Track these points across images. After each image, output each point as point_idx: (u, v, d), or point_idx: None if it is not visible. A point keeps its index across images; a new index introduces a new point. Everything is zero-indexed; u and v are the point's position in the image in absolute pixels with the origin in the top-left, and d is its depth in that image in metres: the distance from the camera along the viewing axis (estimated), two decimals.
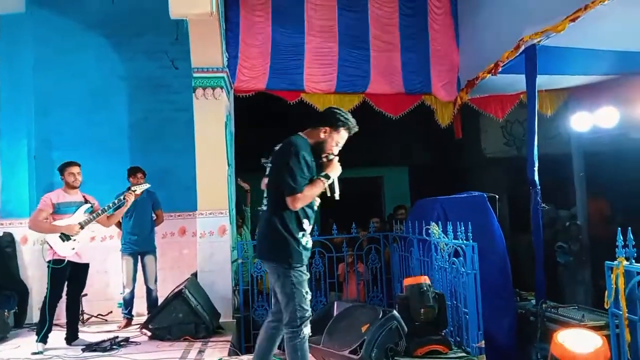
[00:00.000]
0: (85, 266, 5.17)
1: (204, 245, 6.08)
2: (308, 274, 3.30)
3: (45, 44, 6.84)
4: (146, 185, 5.49)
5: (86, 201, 5.15)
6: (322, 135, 3.32)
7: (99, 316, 6.36)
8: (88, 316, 6.26)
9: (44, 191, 5.75)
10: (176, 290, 5.45)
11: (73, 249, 4.95)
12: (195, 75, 6.19)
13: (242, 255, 6.27)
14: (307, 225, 3.27)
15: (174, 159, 6.78)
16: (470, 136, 9.01)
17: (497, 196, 5.61)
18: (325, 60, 7.19)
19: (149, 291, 6.05)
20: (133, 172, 6.01)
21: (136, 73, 6.92)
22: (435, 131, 7.99)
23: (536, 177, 5.34)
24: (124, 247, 6.05)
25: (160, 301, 5.84)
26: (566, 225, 7.64)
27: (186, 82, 6.38)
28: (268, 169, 3.37)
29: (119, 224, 6.03)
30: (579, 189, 8.08)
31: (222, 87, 6.24)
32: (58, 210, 4.97)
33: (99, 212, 5.08)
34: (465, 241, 4.42)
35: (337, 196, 3.35)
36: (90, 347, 4.89)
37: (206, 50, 6.09)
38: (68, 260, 4.92)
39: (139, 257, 6.07)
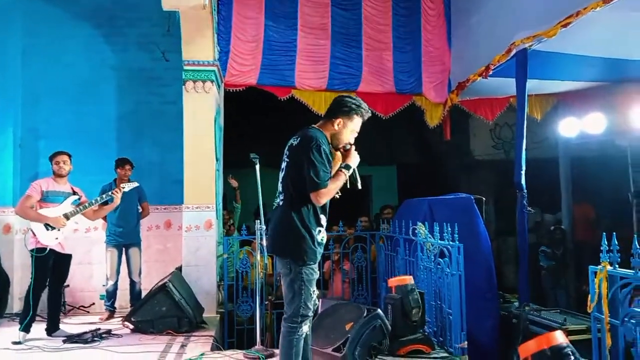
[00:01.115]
0: (68, 257, 5.14)
1: (190, 240, 6.05)
2: (318, 272, 3.26)
3: (35, 32, 6.76)
4: (135, 184, 5.47)
5: (74, 192, 5.13)
6: (336, 127, 3.26)
7: (81, 308, 6.32)
8: (70, 307, 6.21)
9: (29, 180, 5.69)
10: (160, 283, 5.42)
11: (56, 238, 4.92)
12: (185, 68, 6.15)
13: (228, 250, 6.25)
14: (324, 220, 3.26)
15: (162, 151, 6.74)
16: (459, 138, 9.06)
17: (484, 198, 5.65)
18: (317, 57, 7.17)
19: (132, 284, 6.01)
20: (121, 163, 5.97)
21: (126, 64, 6.86)
22: (424, 132, 8.03)
23: (523, 181, 5.38)
24: (109, 238, 6.00)
25: (143, 294, 5.81)
26: (550, 229, 7.71)
27: (177, 74, 6.34)
28: (284, 164, 3.28)
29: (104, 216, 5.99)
30: (564, 194, 8.16)
31: (212, 81, 6.21)
32: (46, 198, 4.95)
33: (86, 204, 5.05)
34: (451, 242, 4.44)
35: (359, 185, 3.30)
36: (71, 339, 4.86)
37: (198, 43, 6.08)
38: (51, 250, 4.88)
39: (124, 249, 6.03)
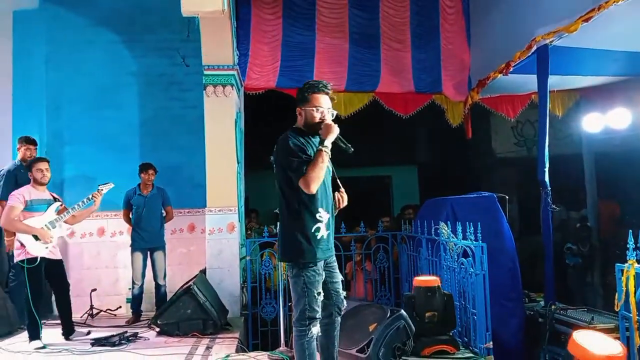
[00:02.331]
0: (59, 262, 5.11)
1: (213, 242, 6.11)
2: (323, 273, 3.20)
3: (58, 40, 6.91)
4: (110, 185, 5.28)
5: (55, 199, 5.09)
6: (301, 117, 3.24)
7: (108, 311, 6.41)
8: (97, 311, 6.31)
9: (55, 187, 5.80)
10: (185, 286, 5.48)
11: (46, 247, 4.89)
12: (205, 72, 6.22)
13: (251, 252, 6.29)
14: (323, 215, 3.16)
15: (183, 155, 6.81)
16: (481, 136, 8.98)
17: (507, 197, 5.59)
18: (335, 58, 7.19)
19: (157, 287, 6.08)
20: (144, 168, 6.05)
21: (147, 70, 6.96)
22: (444, 131, 7.96)
23: (547, 178, 5.32)
24: (134, 243, 6.08)
25: (169, 297, 5.87)
26: (576, 227, 7.59)
27: (197, 79, 6.42)
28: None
29: (129, 220, 6.08)
30: (589, 191, 8.02)
31: (232, 85, 6.27)
32: (31, 207, 4.87)
33: (69, 210, 5.01)
34: (474, 241, 4.41)
35: (352, 149, 3.23)
36: (99, 342, 4.93)
37: (217, 48, 6.13)
38: (41, 258, 4.84)
39: (149, 253, 6.10)
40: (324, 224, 3.18)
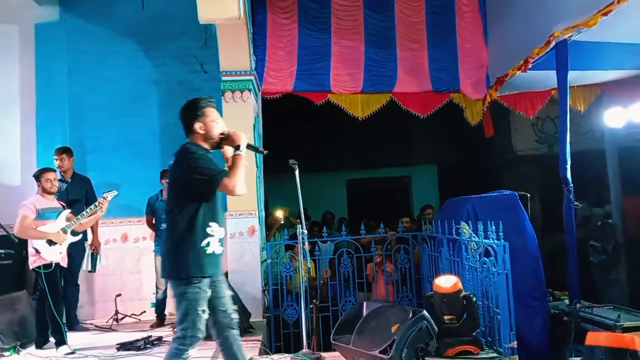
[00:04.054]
0: (67, 269, 5.22)
1: (234, 246, 6.16)
2: (209, 290, 3.11)
3: (79, 50, 7.06)
4: (114, 192, 5.29)
5: (64, 207, 5.19)
6: (201, 130, 3.22)
7: (132, 316, 6.50)
8: (122, 316, 6.40)
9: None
10: None
11: (60, 253, 4.98)
12: (224, 78, 6.29)
13: (272, 255, 6.33)
14: (215, 229, 3.15)
15: None
16: (501, 134, 8.89)
17: (528, 195, 5.52)
18: (351, 60, 7.20)
19: None
20: (165, 174, 6.12)
21: (167, 77, 7.06)
22: (463, 129, 7.92)
23: (569, 175, 5.24)
24: (157, 248, 6.15)
25: None
26: (599, 224, 7.46)
27: (215, 85, 6.48)
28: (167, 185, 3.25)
29: (152, 226, 6.16)
30: (613, 187, 7.89)
31: (250, 90, 6.32)
32: (42, 216, 4.96)
33: (79, 217, 5.07)
34: (496, 241, 4.38)
35: (264, 151, 3.46)
36: (125, 346, 5.00)
37: (234, 54, 6.19)
38: (56, 264, 4.94)
39: None
40: (215, 239, 3.15)
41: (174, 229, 3.12)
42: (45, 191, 5.08)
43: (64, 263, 5.10)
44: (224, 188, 3.05)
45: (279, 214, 7.29)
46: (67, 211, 5.17)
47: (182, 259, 3.05)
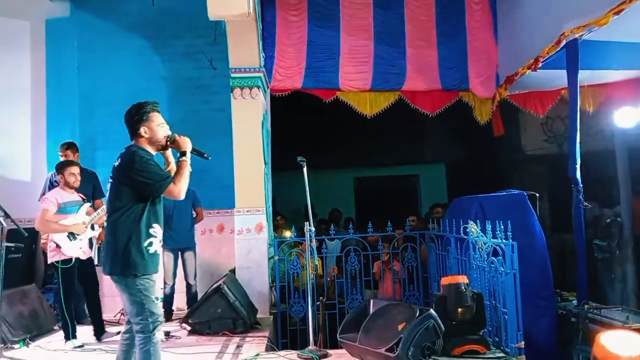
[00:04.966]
0: (90, 261, 5.18)
1: (242, 242, 6.18)
2: (155, 280, 3.27)
3: (89, 46, 7.11)
4: None
5: (84, 200, 5.19)
6: (146, 135, 3.31)
7: None
8: None
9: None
10: (215, 285, 5.56)
11: (81, 248, 4.99)
12: (233, 75, 6.30)
13: (279, 252, 6.35)
14: (157, 230, 3.26)
15: (212, 157, 6.82)
16: (510, 133, 8.84)
17: (537, 194, 5.49)
18: (360, 58, 7.19)
19: (188, 286, 6.18)
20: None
21: (176, 74, 7.09)
22: (472, 128, 7.88)
23: (578, 175, 5.21)
24: (165, 243, 6.12)
25: (199, 296, 5.96)
26: (608, 221, 7.41)
27: (224, 82, 6.50)
28: (109, 185, 3.31)
29: None
30: (623, 187, 7.83)
31: (259, 87, 6.33)
32: (64, 209, 4.96)
33: (100, 211, 5.07)
34: (504, 240, 4.36)
35: (208, 157, 3.55)
36: None
37: (243, 51, 6.20)
38: (75, 259, 4.95)
39: (179, 253, 6.20)
40: (157, 239, 3.26)
41: (119, 228, 3.18)
42: (67, 185, 5.09)
43: (84, 255, 5.07)
44: (169, 193, 3.21)
45: (287, 234, 7.31)
46: (88, 204, 5.18)
47: (127, 257, 3.15)
